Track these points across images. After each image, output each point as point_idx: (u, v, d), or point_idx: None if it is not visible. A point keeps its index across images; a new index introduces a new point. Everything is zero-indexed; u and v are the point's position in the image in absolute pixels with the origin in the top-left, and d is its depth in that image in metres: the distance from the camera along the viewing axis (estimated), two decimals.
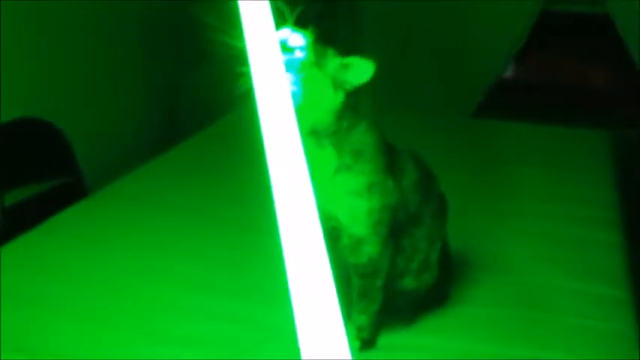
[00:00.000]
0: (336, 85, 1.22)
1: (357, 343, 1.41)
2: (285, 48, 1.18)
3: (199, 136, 2.57)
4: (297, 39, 1.20)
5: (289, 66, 1.18)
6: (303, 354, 0.36)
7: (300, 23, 1.21)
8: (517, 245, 1.76)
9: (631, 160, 2.58)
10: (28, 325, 1.44)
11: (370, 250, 1.32)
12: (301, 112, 1.04)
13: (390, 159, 1.33)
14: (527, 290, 1.56)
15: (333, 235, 1.30)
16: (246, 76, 1.13)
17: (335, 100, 1.23)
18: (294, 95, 1.18)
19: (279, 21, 1.20)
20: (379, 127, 1.32)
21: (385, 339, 1.41)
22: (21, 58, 2.34)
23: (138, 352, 1.36)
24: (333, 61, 1.23)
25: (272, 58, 0.46)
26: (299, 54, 1.19)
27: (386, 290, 1.38)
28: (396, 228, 1.34)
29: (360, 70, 1.23)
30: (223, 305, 1.52)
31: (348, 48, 1.29)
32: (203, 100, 3.14)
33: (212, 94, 3.13)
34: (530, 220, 1.90)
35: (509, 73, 3.11)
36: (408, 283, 1.42)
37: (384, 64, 1.24)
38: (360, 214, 1.29)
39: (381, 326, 1.41)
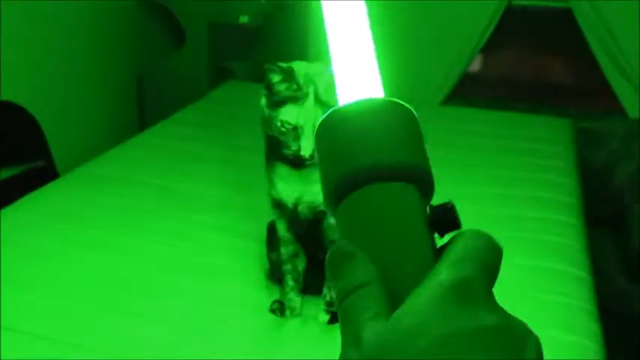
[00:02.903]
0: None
1: (327, 317, 1.47)
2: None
3: (167, 122, 2.59)
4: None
5: None
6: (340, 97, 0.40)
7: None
8: (479, 226, 1.82)
9: (589, 146, 2.69)
10: None
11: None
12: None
13: None
14: None
15: (318, 218, 1.39)
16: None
17: None
18: None
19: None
20: None
21: None
22: None
23: (107, 327, 1.39)
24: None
25: None
26: None
27: None
28: None
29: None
30: (188, 283, 1.56)
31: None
32: (172, 87, 3.16)
33: (180, 81, 3.16)
34: (493, 203, 1.97)
35: (475, 65, 3.19)
36: None
37: None
38: None
39: None
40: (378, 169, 0.36)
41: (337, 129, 0.38)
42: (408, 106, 0.39)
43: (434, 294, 0.31)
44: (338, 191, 0.37)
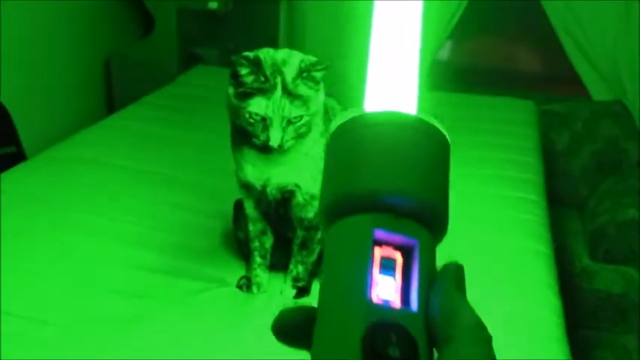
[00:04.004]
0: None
1: (294, 292, 1.49)
2: None
3: (136, 105, 2.58)
4: None
5: None
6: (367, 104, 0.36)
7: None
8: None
9: (554, 128, 2.73)
10: None
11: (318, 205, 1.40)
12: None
13: None
14: (451, 245, 1.66)
15: (286, 197, 1.41)
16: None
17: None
18: None
19: None
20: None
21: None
22: None
23: (74, 304, 1.40)
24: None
25: None
26: None
27: (323, 242, 1.47)
28: None
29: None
30: (156, 260, 1.57)
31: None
32: (141, 73, 3.15)
33: (150, 67, 3.15)
34: (459, 181, 2.00)
35: (443, 54, 3.22)
36: None
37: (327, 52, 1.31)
38: (320, 174, 1.37)
39: (315, 276, 1.50)
40: (376, 198, 0.33)
41: (354, 138, 0.35)
42: (441, 128, 0.35)
43: None
44: (334, 209, 0.34)
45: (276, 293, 1.49)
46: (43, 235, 1.64)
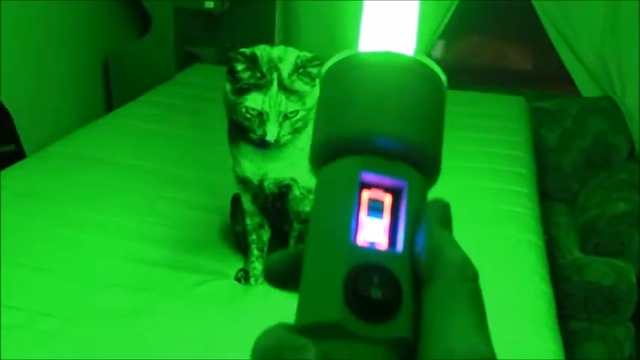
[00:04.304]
0: None
1: None
2: None
3: (134, 103, 2.61)
4: None
5: None
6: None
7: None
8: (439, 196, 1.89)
9: (544, 125, 2.78)
10: None
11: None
12: None
13: None
14: None
15: (283, 191, 1.44)
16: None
17: None
18: None
19: None
20: None
21: None
22: None
23: (75, 297, 1.42)
24: None
25: None
26: None
27: None
28: None
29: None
30: (155, 254, 1.60)
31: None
32: (138, 72, 3.17)
33: (147, 66, 3.18)
34: (452, 175, 2.03)
35: (435, 53, 3.26)
36: None
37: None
38: None
39: None
40: (364, 140, 0.32)
41: (343, 80, 0.33)
42: (438, 71, 0.34)
43: None
44: (323, 152, 0.33)
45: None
46: (43, 230, 1.67)
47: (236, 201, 1.59)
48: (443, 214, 0.32)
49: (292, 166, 1.40)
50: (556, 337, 1.41)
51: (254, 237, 1.52)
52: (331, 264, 0.30)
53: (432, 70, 0.34)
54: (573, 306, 2.17)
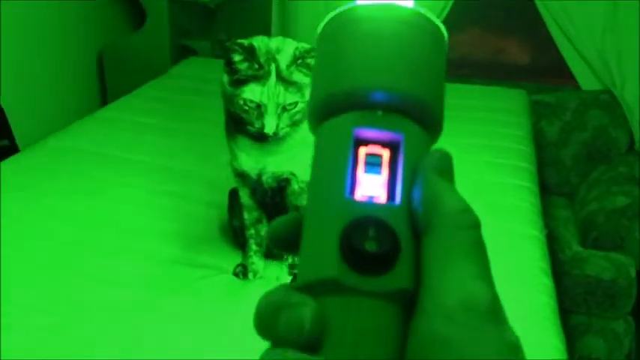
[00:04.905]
0: None
1: (290, 278, 1.50)
2: None
3: (129, 97, 2.58)
4: None
5: None
6: None
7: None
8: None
9: (544, 118, 2.77)
10: None
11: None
12: None
13: None
14: None
15: (282, 185, 1.42)
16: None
17: None
18: None
19: None
20: None
21: None
22: None
23: (70, 291, 1.40)
24: None
25: None
26: None
27: None
28: None
29: None
30: (153, 247, 1.58)
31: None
32: (133, 65, 3.15)
33: (142, 60, 3.15)
34: (455, 168, 2.03)
35: None
36: None
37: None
38: None
39: None
40: (359, 95, 0.31)
41: (342, 32, 0.33)
42: (438, 23, 0.33)
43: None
44: (320, 110, 0.33)
45: (273, 280, 1.50)
46: (37, 224, 1.65)
47: (233, 195, 1.57)
48: (442, 163, 0.31)
49: (291, 160, 1.38)
50: (558, 331, 1.40)
51: (252, 232, 1.50)
52: (327, 221, 0.29)
53: (431, 22, 0.33)
54: (573, 300, 2.16)
